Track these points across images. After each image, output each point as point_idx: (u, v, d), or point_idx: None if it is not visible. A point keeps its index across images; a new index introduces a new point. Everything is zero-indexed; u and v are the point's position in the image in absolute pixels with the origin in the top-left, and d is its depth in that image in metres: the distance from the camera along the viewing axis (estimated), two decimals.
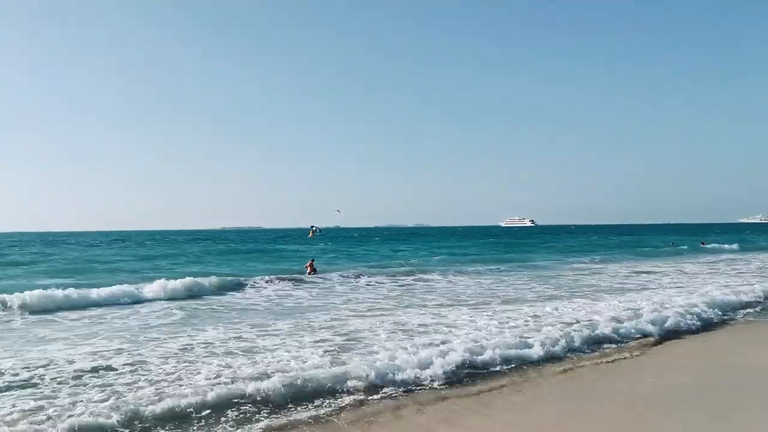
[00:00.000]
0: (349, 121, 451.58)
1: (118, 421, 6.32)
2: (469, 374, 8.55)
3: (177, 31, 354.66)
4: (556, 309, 14.19)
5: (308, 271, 26.47)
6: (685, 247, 51.58)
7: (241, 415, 6.74)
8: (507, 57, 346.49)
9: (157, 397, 7.06)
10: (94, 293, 17.17)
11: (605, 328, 11.36)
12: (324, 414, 6.82)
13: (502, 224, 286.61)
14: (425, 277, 25.47)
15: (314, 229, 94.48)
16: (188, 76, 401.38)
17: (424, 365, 8.46)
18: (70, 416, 6.40)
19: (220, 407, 6.91)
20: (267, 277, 23.25)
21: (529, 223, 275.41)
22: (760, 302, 16.13)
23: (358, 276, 24.87)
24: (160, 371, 8.52)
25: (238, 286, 21.33)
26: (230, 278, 22.74)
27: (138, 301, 17.57)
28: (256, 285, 21.75)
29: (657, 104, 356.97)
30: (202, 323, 13.50)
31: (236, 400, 7.14)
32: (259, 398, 7.22)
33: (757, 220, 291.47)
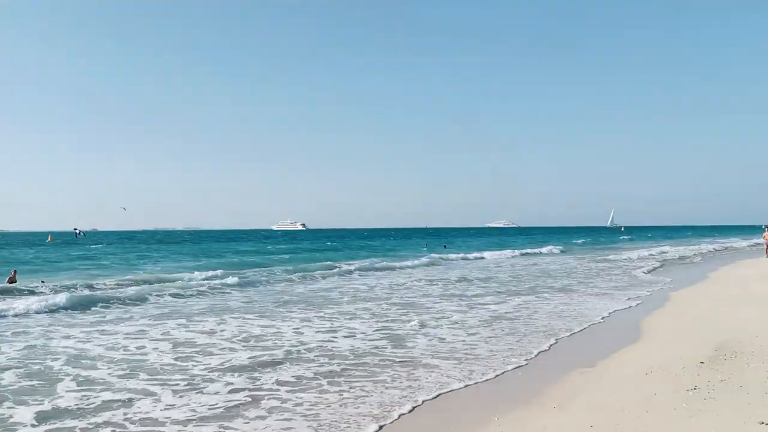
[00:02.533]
0: None
1: None
2: None
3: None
4: None
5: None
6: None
7: None
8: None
9: None
10: None
11: None
12: None
13: (275, 227, 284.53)
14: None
15: (77, 232, 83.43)
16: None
17: None
18: None
19: None
20: None
21: (300, 227, 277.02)
22: None
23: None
24: None
25: None
26: None
27: None
28: None
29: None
30: None
31: None
32: None
33: (502, 225, 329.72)
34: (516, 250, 48.71)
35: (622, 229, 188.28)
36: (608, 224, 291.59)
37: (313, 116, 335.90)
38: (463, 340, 11.16)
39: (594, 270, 29.14)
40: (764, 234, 35.80)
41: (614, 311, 14.59)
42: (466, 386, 7.92)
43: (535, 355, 9.77)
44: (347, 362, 9.43)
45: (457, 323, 13.18)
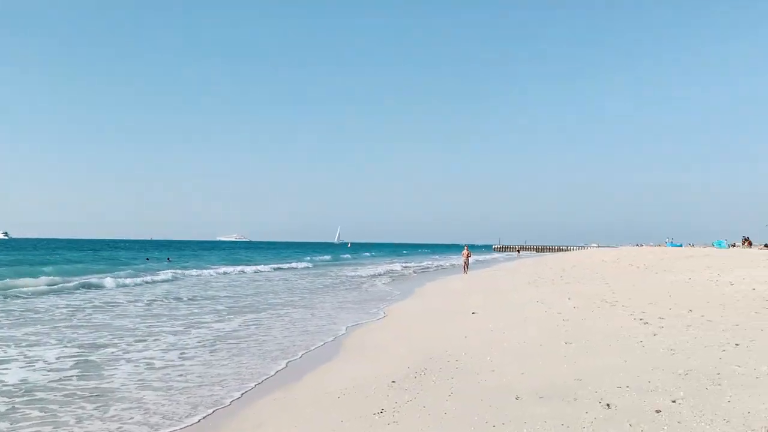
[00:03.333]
0: None
1: None
2: None
3: None
4: None
5: None
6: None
7: None
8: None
9: None
10: None
11: None
12: None
13: None
14: None
15: None
16: None
17: None
18: None
19: None
20: None
21: (1, 236, 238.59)
22: None
23: None
24: None
25: None
26: None
27: None
28: None
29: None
30: None
31: None
32: None
33: (233, 238, 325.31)
34: (266, 265, 47.86)
35: (349, 245, 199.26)
36: (335, 241, 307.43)
37: None
38: (180, 366, 10.05)
39: (339, 284, 29.97)
40: (463, 252, 39.04)
41: (352, 326, 14.71)
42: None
43: (261, 381, 9.11)
44: (15, 399, 7.82)
45: (173, 345, 11.92)
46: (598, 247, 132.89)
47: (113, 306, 18.98)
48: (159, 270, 38.10)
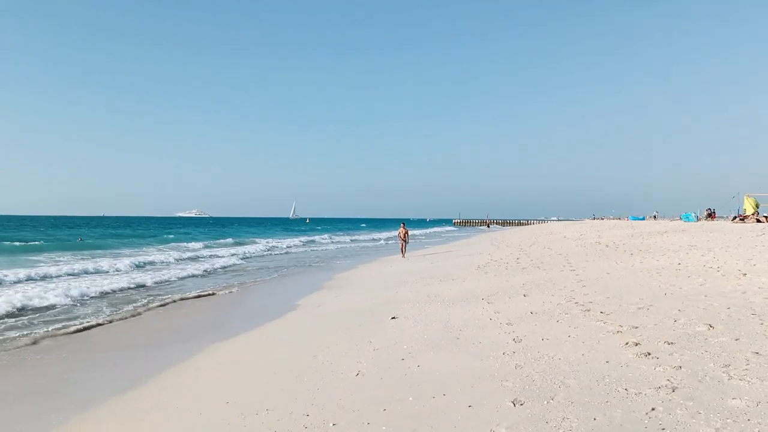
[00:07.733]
0: None
1: None
2: None
3: None
4: None
5: None
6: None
7: None
8: None
9: None
10: None
11: None
12: None
13: None
14: None
15: None
16: None
17: None
18: None
19: None
20: None
21: None
22: None
23: None
24: None
25: None
26: None
27: None
28: None
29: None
30: None
31: None
32: None
33: (194, 214, 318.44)
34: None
35: (308, 221, 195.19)
36: (291, 216, 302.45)
37: None
38: None
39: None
40: (399, 230, 30.04)
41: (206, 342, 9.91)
42: None
43: None
44: None
45: None
46: (558, 220, 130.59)
47: None
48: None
